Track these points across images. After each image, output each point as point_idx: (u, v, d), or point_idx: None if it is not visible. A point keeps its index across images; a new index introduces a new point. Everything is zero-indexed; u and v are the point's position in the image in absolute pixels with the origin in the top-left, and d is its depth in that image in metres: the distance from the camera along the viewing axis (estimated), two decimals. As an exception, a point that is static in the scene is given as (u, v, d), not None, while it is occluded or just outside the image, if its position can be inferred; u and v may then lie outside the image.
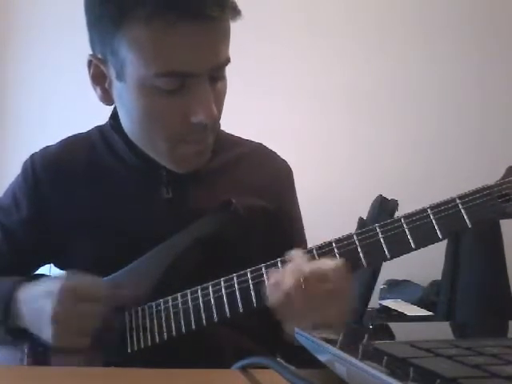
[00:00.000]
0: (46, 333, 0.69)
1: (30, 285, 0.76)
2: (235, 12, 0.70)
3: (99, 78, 0.74)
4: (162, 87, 0.69)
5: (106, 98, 0.76)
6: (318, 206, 0.94)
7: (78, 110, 2.19)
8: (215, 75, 0.72)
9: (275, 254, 0.70)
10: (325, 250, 0.67)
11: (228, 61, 0.72)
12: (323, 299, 0.62)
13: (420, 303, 1.92)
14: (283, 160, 0.93)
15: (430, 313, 1.79)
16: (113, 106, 0.84)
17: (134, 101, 0.71)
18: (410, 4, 2.20)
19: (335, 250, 0.66)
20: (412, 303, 1.93)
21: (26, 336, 0.74)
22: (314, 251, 0.67)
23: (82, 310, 0.69)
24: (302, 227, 0.92)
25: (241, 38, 0.73)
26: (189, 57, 0.67)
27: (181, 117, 0.71)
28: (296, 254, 0.66)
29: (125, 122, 0.78)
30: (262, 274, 0.68)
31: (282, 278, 0.64)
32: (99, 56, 0.73)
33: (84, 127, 0.91)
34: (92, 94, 0.77)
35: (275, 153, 0.93)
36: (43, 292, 0.72)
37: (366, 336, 0.49)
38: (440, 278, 1.46)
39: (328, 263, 0.63)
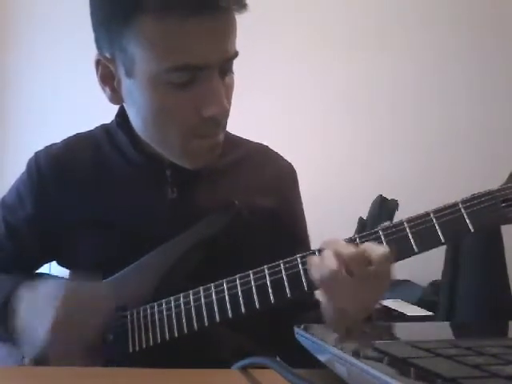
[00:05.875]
0: (40, 339, 0.70)
1: (32, 285, 0.76)
2: (242, 4, 0.69)
3: (108, 78, 0.74)
4: (173, 81, 0.68)
5: (116, 98, 0.76)
6: (318, 206, 0.94)
7: (78, 110, 2.19)
8: (225, 68, 0.71)
9: (279, 254, 0.70)
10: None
11: (237, 54, 0.72)
12: (367, 282, 0.61)
13: (420, 303, 1.91)
14: (287, 161, 0.93)
15: (430, 313, 1.78)
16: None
17: (145, 96, 0.71)
18: (410, 5, 2.20)
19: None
20: (412, 303, 1.92)
21: (8, 338, 0.75)
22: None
23: (82, 322, 0.70)
24: (306, 227, 0.92)
25: (240, 37, 0.73)
26: (202, 49, 0.67)
27: (192, 111, 0.70)
28: (334, 240, 0.64)
29: (135, 120, 0.77)
30: (265, 276, 0.68)
31: (327, 259, 0.62)
32: (107, 55, 0.72)
33: (85, 127, 0.91)
34: (92, 94, 0.77)
35: (279, 154, 0.93)
36: (45, 296, 0.72)
37: (366, 336, 0.49)
38: (440, 278, 1.46)
39: (372, 247, 0.62)
